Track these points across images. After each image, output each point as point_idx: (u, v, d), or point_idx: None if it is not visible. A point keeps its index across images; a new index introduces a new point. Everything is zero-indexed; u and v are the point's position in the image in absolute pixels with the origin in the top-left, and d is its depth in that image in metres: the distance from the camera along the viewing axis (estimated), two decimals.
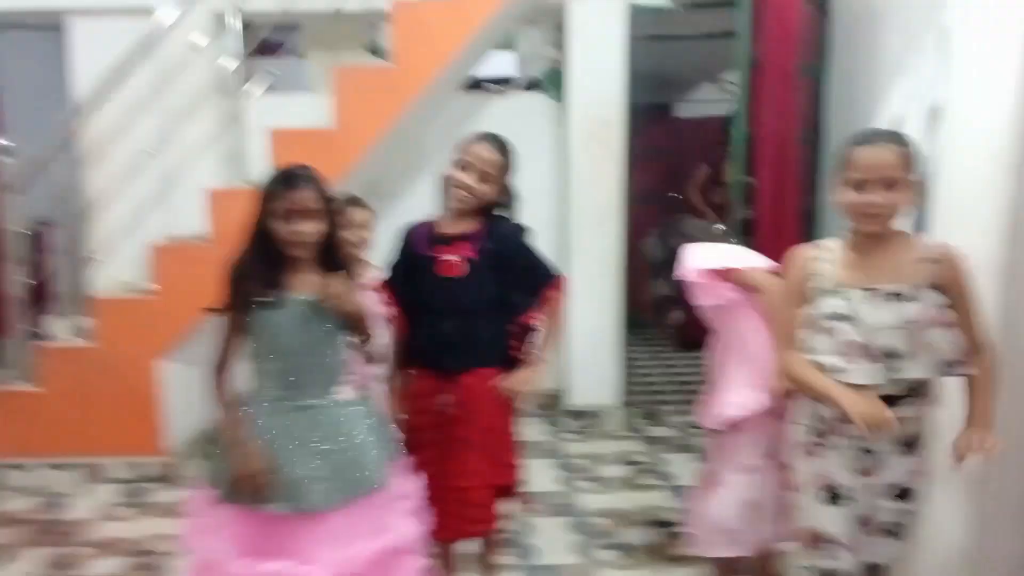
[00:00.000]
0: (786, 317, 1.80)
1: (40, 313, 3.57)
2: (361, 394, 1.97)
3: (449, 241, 2.15)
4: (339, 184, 3.30)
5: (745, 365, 2.19)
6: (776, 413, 2.10)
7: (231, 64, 3.50)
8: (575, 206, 3.93)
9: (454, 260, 2.13)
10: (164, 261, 3.45)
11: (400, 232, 2.27)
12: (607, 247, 3.95)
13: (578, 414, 4.03)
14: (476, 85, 4.24)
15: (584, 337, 3.99)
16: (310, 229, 1.83)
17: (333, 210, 1.87)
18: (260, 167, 3.43)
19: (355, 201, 2.47)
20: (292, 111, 3.78)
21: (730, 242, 2.36)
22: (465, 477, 2.14)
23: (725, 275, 2.18)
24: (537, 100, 4.25)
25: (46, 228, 4.60)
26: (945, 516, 2.05)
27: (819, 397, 1.73)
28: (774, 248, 3.36)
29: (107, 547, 2.94)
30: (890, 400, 1.69)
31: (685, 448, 3.69)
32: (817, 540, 1.79)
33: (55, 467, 3.49)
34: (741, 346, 2.22)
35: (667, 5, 3.89)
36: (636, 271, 4.15)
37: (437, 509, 2.04)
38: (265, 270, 1.84)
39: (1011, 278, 1.89)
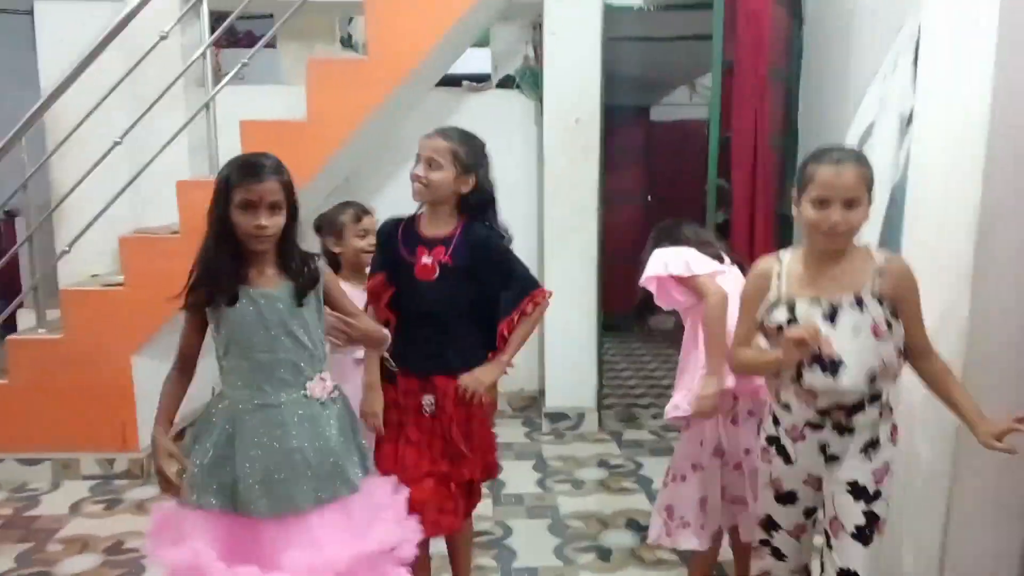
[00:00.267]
0: (742, 324, 1.90)
1: (7, 305, 3.49)
2: (334, 391, 1.89)
3: (428, 244, 2.12)
4: (311, 179, 3.29)
5: (691, 367, 2.30)
6: (723, 413, 2.24)
7: (201, 53, 3.45)
8: (551, 206, 3.94)
9: (430, 264, 2.10)
10: (133, 253, 3.40)
11: (384, 229, 2.23)
12: (583, 248, 3.96)
13: (554, 416, 4.04)
14: (452, 82, 4.23)
15: (560, 339, 4.00)
16: (272, 223, 1.75)
17: (294, 202, 1.80)
18: (228, 158, 3.40)
19: (367, 211, 2.52)
20: (264, 102, 3.74)
21: (714, 247, 2.37)
22: (435, 478, 2.13)
23: (679, 281, 2.25)
24: (513, 97, 4.25)
25: (13, 218, 4.52)
26: (914, 517, 2.09)
27: (770, 369, 1.84)
28: (748, 250, 3.42)
29: (78, 544, 2.90)
30: (849, 409, 1.76)
31: (661, 451, 3.71)
32: (768, 524, 1.94)
33: (25, 462, 3.43)
34: (694, 348, 2.31)
35: (642, 6, 3.91)
36: (612, 273, 4.17)
37: (419, 501, 2.03)
38: (226, 263, 1.77)
39: (979, 281, 1.93)
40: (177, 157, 3.61)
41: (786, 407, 1.84)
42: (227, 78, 3.47)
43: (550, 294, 2.20)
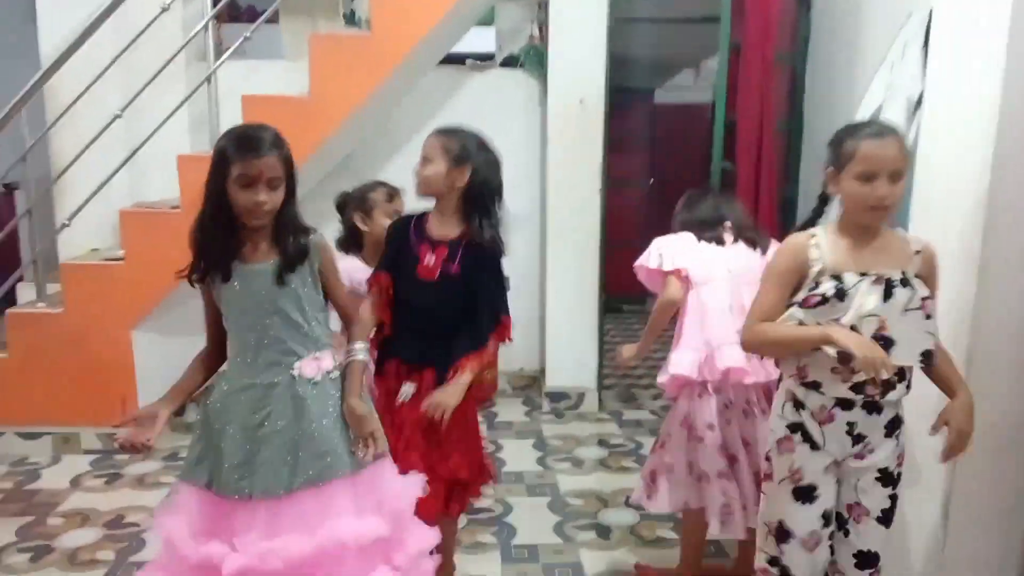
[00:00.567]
0: (765, 297, 1.79)
1: (6, 278, 3.48)
2: (333, 371, 1.83)
3: (433, 243, 2.14)
4: (312, 155, 3.27)
5: (679, 339, 2.39)
6: (694, 388, 2.33)
7: (203, 27, 3.42)
8: (553, 187, 3.92)
9: (432, 265, 2.12)
10: (133, 227, 3.38)
11: (396, 224, 2.25)
12: (586, 229, 3.94)
13: (555, 396, 4.05)
14: (455, 60, 4.19)
15: (562, 319, 4.00)
16: (271, 198, 1.70)
17: (293, 177, 1.75)
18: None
19: (398, 191, 2.53)
20: (265, 78, 3.72)
21: (715, 230, 2.41)
22: (409, 467, 2.09)
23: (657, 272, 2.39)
24: (516, 77, 4.21)
25: (13, 191, 4.50)
26: (912, 516, 2.09)
27: (811, 344, 1.72)
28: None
29: (78, 517, 2.91)
30: (885, 385, 1.71)
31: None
32: (780, 532, 1.82)
33: (25, 436, 3.44)
34: (683, 320, 2.40)
35: None
36: (614, 254, 4.16)
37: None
38: (220, 238, 1.73)
39: (986, 268, 1.92)
40: (178, 131, 3.59)
41: (814, 386, 1.76)
42: (228, 52, 3.44)
43: (510, 331, 2.18)
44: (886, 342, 1.68)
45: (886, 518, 1.78)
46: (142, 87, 3.34)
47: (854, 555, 1.79)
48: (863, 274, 1.70)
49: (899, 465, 1.79)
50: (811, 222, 1.87)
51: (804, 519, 1.80)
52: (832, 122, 3.26)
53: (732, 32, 3.32)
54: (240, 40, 3.40)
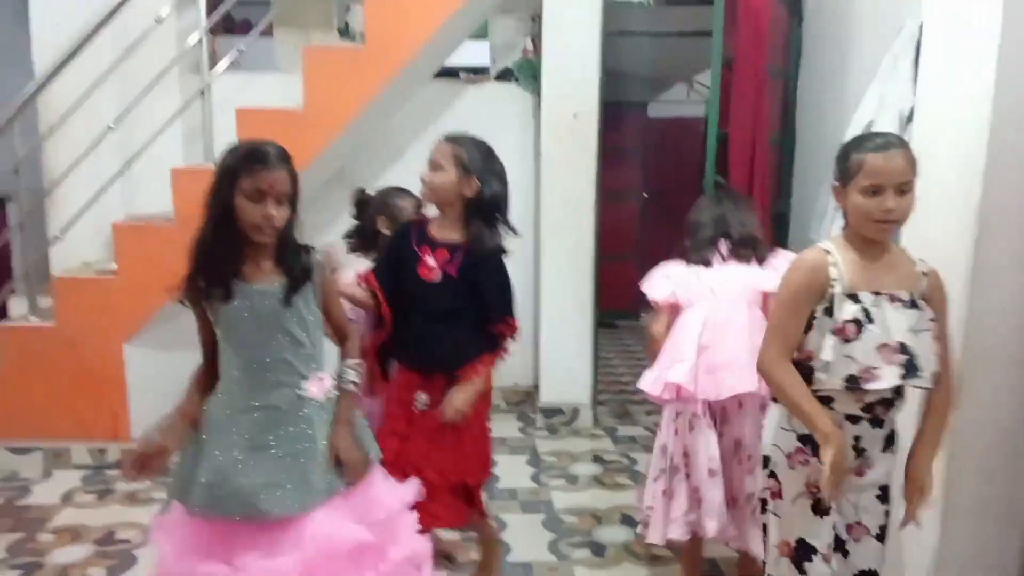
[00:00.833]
0: (787, 322, 1.74)
1: None
2: (328, 391, 1.82)
3: (433, 245, 2.18)
4: (306, 168, 3.26)
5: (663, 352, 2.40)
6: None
7: (197, 39, 3.42)
8: (547, 200, 3.92)
9: (433, 265, 2.16)
10: (126, 240, 3.37)
11: (401, 226, 2.32)
12: (579, 243, 3.95)
13: (549, 411, 4.04)
14: (449, 73, 4.20)
15: (555, 335, 4.00)
16: (281, 213, 1.69)
17: (297, 193, 1.74)
18: (223, 145, 3.36)
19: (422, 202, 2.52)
20: (259, 90, 3.72)
21: (703, 252, 2.45)
22: (429, 472, 2.14)
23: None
24: (510, 90, 4.23)
25: (5, 203, 4.47)
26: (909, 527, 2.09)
27: (804, 420, 1.71)
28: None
29: (69, 534, 2.88)
30: (891, 401, 1.72)
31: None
32: (801, 550, 1.77)
33: (15, 451, 3.40)
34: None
35: (642, 1, 3.89)
36: (607, 269, 4.16)
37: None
38: (223, 255, 1.70)
39: (978, 283, 1.93)
40: (171, 144, 3.58)
41: (825, 400, 1.72)
42: (223, 64, 3.44)
43: (516, 330, 2.24)
44: (912, 365, 1.64)
45: (883, 534, 1.77)
46: (136, 99, 3.34)
47: (859, 572, 1.77)
48: (876, 292, 1.68)
49: (892, 479, 1.79)
50: None
51: (824, 532, 1.75)
52: (824, 136, 3.29)
53: (724, 46, 3.33)
54: (234, 52, 3.40)
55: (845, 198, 1.71)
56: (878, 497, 1.77)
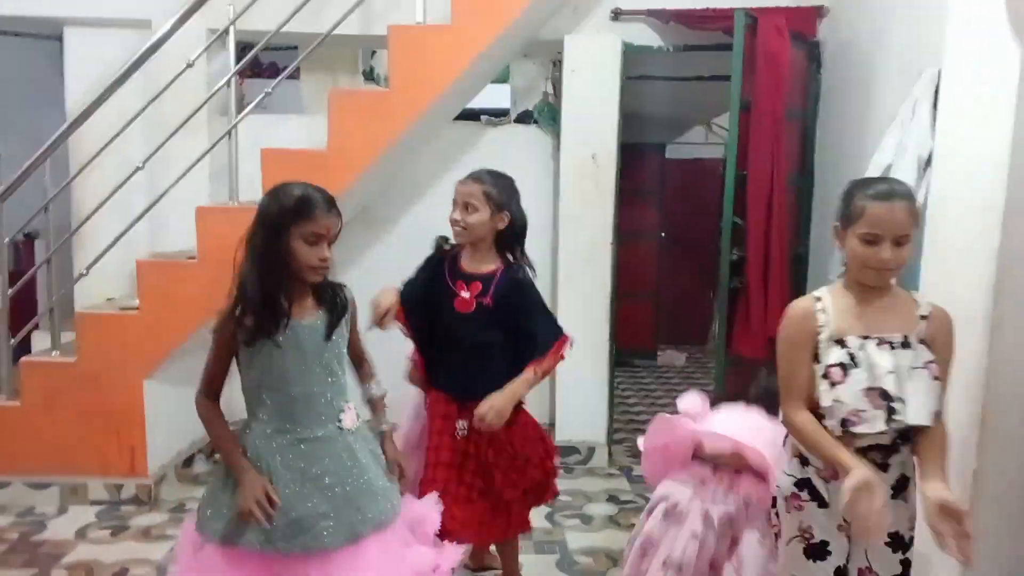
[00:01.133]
0: (792, 372, 1.76)
1: (22, 326, 3.51)
2: (362, 419, 1.92)
3: (468, 279, 2.28)
4: None
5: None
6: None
7: (225, 82, 3.51)
8: (565, 240, 3.95)
9: (468, 298, 2.25)
10: (149, 277, 3.41)
11: (434, 257, 2.39)
12: (596, 283, 3.95)
13: (565, 450, 4.01)
14: (471, 116, 4.27)
15: (572, 373, 3.97)
16: (331, 255, 1.78)
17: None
18: (250, 186, 3.43)
19: None
20: (285, 132, 3.79)
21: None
22: (499, 481, 2.28)
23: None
24: (530, 133, 4.28)
25: (33, 240, 4.57)
26: (932, 555, 2.05)
27: (827, 461, 1.71)
28: (763, 288, 3.41)
29: (82, 570, 2.88)
30: (889, 448, 1.71)
31: None
32: None
33: (33, 486, 3.41)
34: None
35: (662, 46, 3.94)
36: (625, 308, 4.16)
37: (461, 519, 2.18)
38: (279, 295, 1.75)
39: (997, 329, 1.91)
40: (197, 183, 3.64)
41: None
42: (251, 106, 3.51)
43: (571, 344, 2.36)
44: (896, 402, 1.66)
45: None
46: (164, 140, 3.41)
47: None
48: (865, 336, 1.69)
49: (911, 529, 1.75)
50: None
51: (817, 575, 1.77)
52: (842, 179, 3.28)
53: (743, 90, 3.36)
54: (262, 95, 3.48)
55: (844, 240, 1.73)
56: (888, 545, 1.74)
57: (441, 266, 2.34)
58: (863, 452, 1.70)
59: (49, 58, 4.13)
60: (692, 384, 5.91)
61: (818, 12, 3.77)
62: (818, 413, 1.73)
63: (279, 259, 1.74)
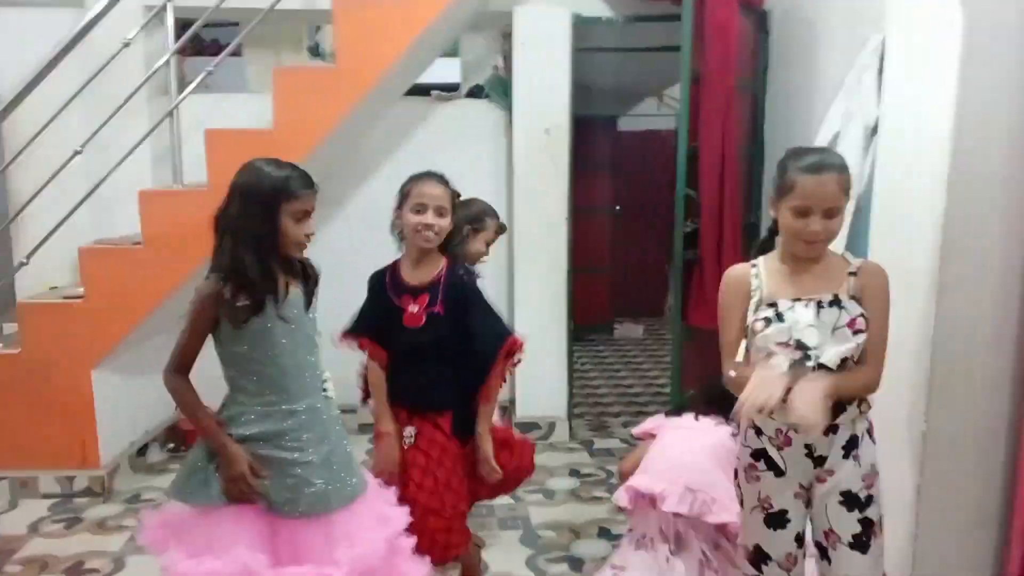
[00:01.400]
0: (728, 333, 1.84)
1: None
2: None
3: (414, 292, 2.19)
4: None
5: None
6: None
7: (164, 60, 3.40)
8: (520, 216, 3.93)
9: (416, 312, 2.18)
10: (93, 264, 3.31)
11: (370, 281, 2.29)
12: (553, 258, 3.96)
13: (525, 426, 4.02)
14: (421, 91, 4.21)
15: (531, 348, 3.94)
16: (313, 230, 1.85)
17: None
18: (195, 168, 3.35)
19: (504, 229, 2.72)
20: (229, 111, 3.69)
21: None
22: (431, 503, 2.19)
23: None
24: (482, 107, 4.24)
25: None
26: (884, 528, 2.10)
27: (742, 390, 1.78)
28: (716, 258, 3.44)
29: (37, 564, 2.81)
30: (836, 407, 1.73)
31: None
32: (757, 555, 1.85)
33: None
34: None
35: (611, 17, 3.93)
36: (581, 283, 4.17)
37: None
38: (269, 271, 1.79)
39: (944, 291, 1.96)
40: (139, 166, 3.55)
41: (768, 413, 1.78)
42: (192, 86, 3.41)
43: (523, 344, 2.30)
44: (813, 348, 1.71)
45: (859, 543, 1.77)
46: (103, 122, 3.30)
47: None
48: (796, 299, 1.75)
49: (868, 488, 1.79)
50: (762, 250, 1.89)
51: (779, 543, 1.83)
52: (794, 148, 3.33)
53: (693, 61, 3.36)
54: (203, 74, 3.38)
55: (778, 211, 1.77)
56: (842, 504, 1.78)
57: (382, 284, 2.25)
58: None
59: None
60: (650, 356, 6.00)
61: None
62: None
63: (271, 237, 1.78)
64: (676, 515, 2.36)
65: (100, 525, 3.12)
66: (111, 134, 3.35)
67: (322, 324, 2.03)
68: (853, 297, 1.75)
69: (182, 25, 3.45)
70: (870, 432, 1.82)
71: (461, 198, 2.64)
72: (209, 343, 1.86)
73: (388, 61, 3.37)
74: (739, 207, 3.53)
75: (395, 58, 3.37)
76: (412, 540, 1.97)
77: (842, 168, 1.72)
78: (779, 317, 1.74)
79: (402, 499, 2.06)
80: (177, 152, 3.45)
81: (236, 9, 3.44)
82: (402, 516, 1.96)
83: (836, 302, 1.73)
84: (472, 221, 2.59)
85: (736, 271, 1.86)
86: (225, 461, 1.78)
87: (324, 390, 1.91)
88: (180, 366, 1.85)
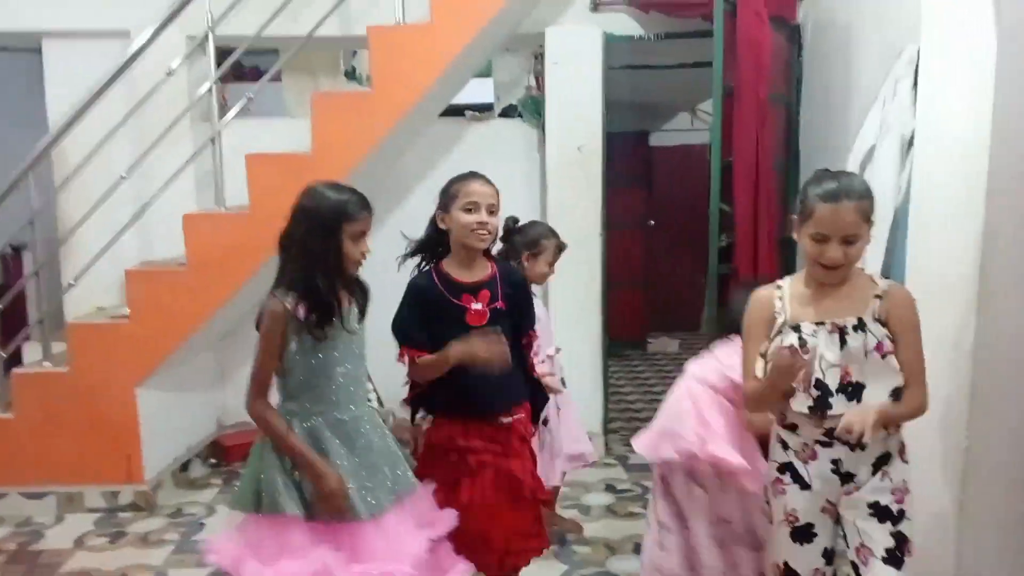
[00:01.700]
0: (750, 355, 1.86)
1: (13, 339, 3.50)
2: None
3: (473, 290, 2.14)
4: None
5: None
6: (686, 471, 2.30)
7: (206, 88, 3.50)
8: None
9: (480, 309, 2.12)
10: (138, 286, 3.40)
11: (414, 288, 2.18)
12: (587, 273, 3.97)
13: None
14: (455, 111, 4.26)
15: (566, 364, 3.98)
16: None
17: None
18: (236, 192, 3.43)
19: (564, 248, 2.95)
20: (269, 136, 3.77)
21: None
22: (519, 509, 2.16)
23: None
24: (515, 126, 4.28)
25: (20, 252, 4.55)
26: (924, 546, 2.06)
27: (769, 395, 1.82)
28: (752, 273, 3.42)
29: None
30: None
31: None
32: (788, 573, 1.84)
33: (29, 496, 3.42)
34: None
35: (643, 35, 3.95)
36: (616, 298, 4.17)
37: (482, 547, 2.09)
38: (334, 289, 1.89)
39: (984, 301, 1.93)
40: (183, 191, 3.64)
41: (792, 428, 1.82)
42: (233, 111, 3.50)
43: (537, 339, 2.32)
44: (856, 387, 1.71)
45: (893, 559, 1.75)
46: (148, 148, 3.40)
47: None
48: (820, 323, 1.75)
49: (899, 503, 1.77)
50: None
51: (806, 559, 1.82)
52: (827, 161, 3.28)
53: (725, 75, 3.37)
54: (244, 100, 3.47)
55: (799, 235, 1.78)
56: (872, 516, 1.76)
57: (433, 287, 2.13)
58: (829, 433, 1.75)
59: (28, 72, 4.10)
60: None
61: None
62: None
63: (334, 256, 1.88)
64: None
65: (143, 539, 3.18)
66: (155, 160, 3.46)
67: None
68: (878, 320, 1.74)
69: (222, 53, 3.55)
70: (902, 452, 1.80)
71: (520, 223, 2.75)
72: None
73: (423, 85, 3.42)
74: (774, 220, 3.52)
75: (430, 82, 3.42)
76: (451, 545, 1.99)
77: (863, 195, 1.72)
78: (802, 345, 1.74)
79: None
80: (219, 176, 3.53)
81: (275, 38, 3.53)
82: (447, 520, 1.98)
83: (861, 326, 1.73)
84: (529, 246, 2.74)
85: (761, 294, 1.87)
86: (317, 479, 1.83)
87: (369, 400, 2.01)
88: (260, 391, 1.90)
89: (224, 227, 3.39)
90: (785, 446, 1.83)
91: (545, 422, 2.83)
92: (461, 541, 2.02)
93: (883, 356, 1.71)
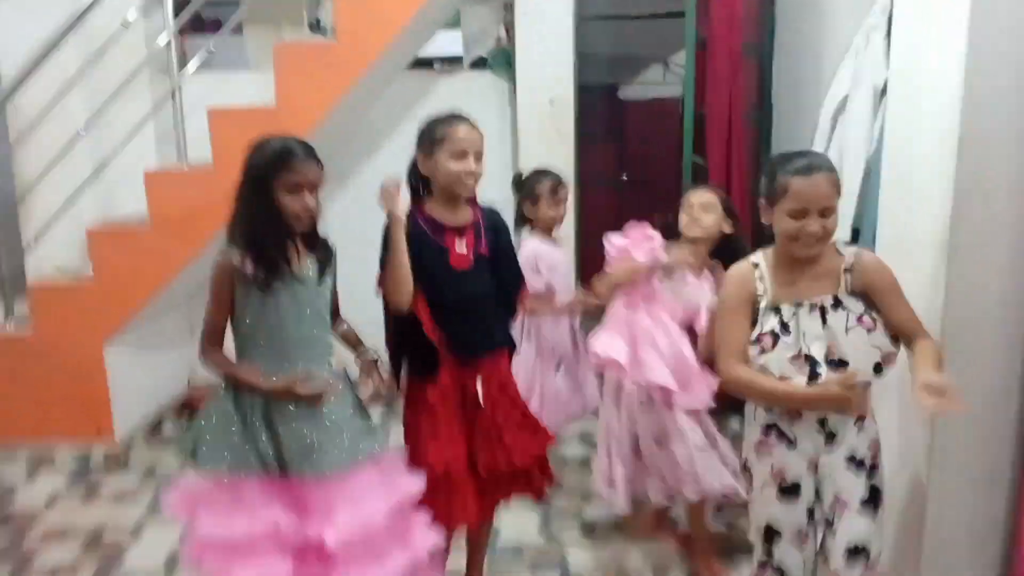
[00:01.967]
0: (730, 332, 1.83)
1: None
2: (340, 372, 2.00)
3: (457, 232, 2.09)
4: None
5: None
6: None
7: (166, 40, 3.38)
8: None
9: (464, 252, 2.09)
10: (100, 245, 3.33)
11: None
12: (561, 229, 3.93)
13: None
14: (423, 64, 4.17)
15: None
16: (316, 204, 1.85)
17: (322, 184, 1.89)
18: (199, 147, 3.34)
19: (563, 183, 2.88)
20: (231, 89, 3.67)
21: None
22: (513, 454, 2.16)
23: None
24: (485, 79, 4.20)
25: None
26: (890, 535, 2.09)
27: (784, 402, 1.79)
28: None
29: (57, 535, 2.87)
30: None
31: None
32: (768, 535, 1.85)
33: None
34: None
35: None
36: (589, 255, 4.15)
37: (473, 488, 2.12)
38: (277, 245, 1.83)
39: (955, 253, 1.93)
40: (144, 146, 3.55)
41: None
42: (193, 63, 3.39)
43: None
44: (840, 363, 1.71)
45: (867, 510, 1.78)
46: (105, 103, 3.30)
47: (845, 551, 1.78)
48: (798, 303, 1.76)
49: (873, 456, 1.80)
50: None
51: (791, 518, 1.83)
52: (801, 112, 3.29)
53: (698, 26, 3.33)
54: (204, 52, 3.36)
55: (771, 217, 1.78)
56: (848, 468, 1.79)
57: (415, 226, 2.05)
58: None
59: None
60: None
61: None
62: None
63: (269, 211, 1.81)
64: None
65: (116, 497, 3.16)
66: (114, 115, 3.35)
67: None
68: (852, 293, 1.75)
69: (181, 3, 3.42)
70: (872, 414, 1.84)
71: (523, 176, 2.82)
72: None
73: (389, 35, 3.33)
74: (747, 173, 3.51)
75: (396, 31, 3.33)
76: (419, 515, 2.00)
77: (831, 168, 1.76)
78: (785, 328, 1.75)
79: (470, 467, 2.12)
80: (181, 131, 3.44)
81: None
82: (412, 483, 1.98)
83: (837, 303, 1.75)
84: (527, 195, 2.79)
85: (739, 270, 1.86)
86: (275, 394, 1.84)
87: (329, 365, 1.94)
88: (210, 340, 1.90)
89: (187, 184, 3.31)
90: (769, 407, 1.84)
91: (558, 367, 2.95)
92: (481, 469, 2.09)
93: (868, 332, 1.72)
